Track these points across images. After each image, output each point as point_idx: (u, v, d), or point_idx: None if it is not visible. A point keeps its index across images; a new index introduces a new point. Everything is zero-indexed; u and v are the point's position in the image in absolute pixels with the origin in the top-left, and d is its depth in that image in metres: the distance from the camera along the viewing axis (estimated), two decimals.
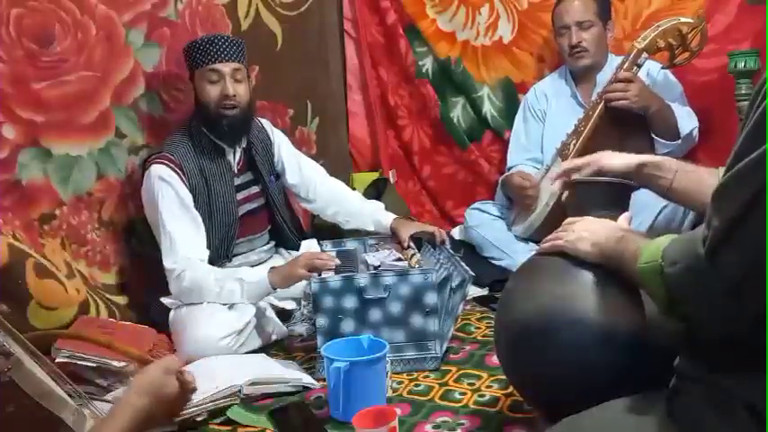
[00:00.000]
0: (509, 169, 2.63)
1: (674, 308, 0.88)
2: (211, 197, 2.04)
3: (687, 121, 2.30)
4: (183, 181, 1.96)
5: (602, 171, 1.27)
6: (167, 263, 1.91)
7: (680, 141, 2.27)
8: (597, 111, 2.28)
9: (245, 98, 2.04)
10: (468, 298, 2.23)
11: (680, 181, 1.21)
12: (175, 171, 1.95)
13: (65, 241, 1.93)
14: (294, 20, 2.74)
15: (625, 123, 2.25)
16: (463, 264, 1.86)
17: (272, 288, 1.91)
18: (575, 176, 1.31)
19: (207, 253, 1.97)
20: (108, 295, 2.00)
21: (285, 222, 2.26)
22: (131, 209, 2.11)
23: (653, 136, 2.29)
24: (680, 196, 1.24)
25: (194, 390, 1.15)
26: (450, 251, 2.03)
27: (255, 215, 2.20)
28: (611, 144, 2.23)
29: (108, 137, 2.04)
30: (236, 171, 2.13)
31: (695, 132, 2.31)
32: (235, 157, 2.12)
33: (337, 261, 1.83)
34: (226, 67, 1.99)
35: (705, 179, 1.18)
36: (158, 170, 1.93)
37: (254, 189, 2.19)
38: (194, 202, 1.99)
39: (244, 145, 2.15)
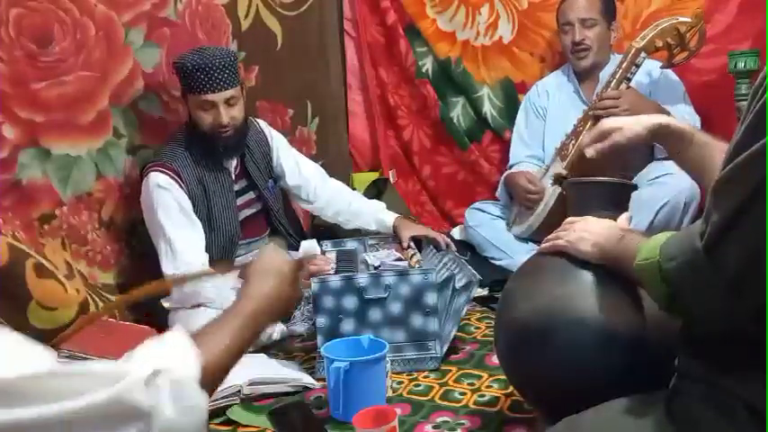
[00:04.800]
0: (510, 167, 2.63)
1: (673, 304, 0.88)
2: (211, 205, 2.03)
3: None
4: (182, 188, 1.95)
5: (615, 145, 1.22)
6: (168, 269, 1.91)
7: None
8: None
9: (239, 118, 2.02)
10: None
11: (693, 152, 1.17)
12: (173, 179, 1.94)
13: (65, 241, 1.92)
14: (294, 20, 2.74)
15: None
16: (470, 266, 1.86)
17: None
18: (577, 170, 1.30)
19: (206, 257, 1.97)
20: (108, 295, 2.00)
21: (283, 226, 2.25)
22: (131, 209, 2.10)
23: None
24: (687, 166, 1.20)
25: (312, 256, 1.19)
26: (456, 254, 2.03)
27: (254, 219, 2.19)
28: None
29: (106, 137, 2.04)
30: (233, 178, 2.12)
31: None
32: (232, 165, 2.12)
33: (333, 265, 1.82)
34: (219, 97, 1.95)
35: (716, 156, 1.14)
36: (156, 178, 1.93)
37: (252, 195, 2.18)
38: (194, 209, 1.98)
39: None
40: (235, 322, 0.92)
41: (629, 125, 1.21)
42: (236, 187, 2.14)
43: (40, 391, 0.65)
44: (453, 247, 2.11)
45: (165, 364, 0.74)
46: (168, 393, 0.73)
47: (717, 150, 1.13)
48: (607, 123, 1.24)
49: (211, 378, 0.83)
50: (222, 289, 1.90)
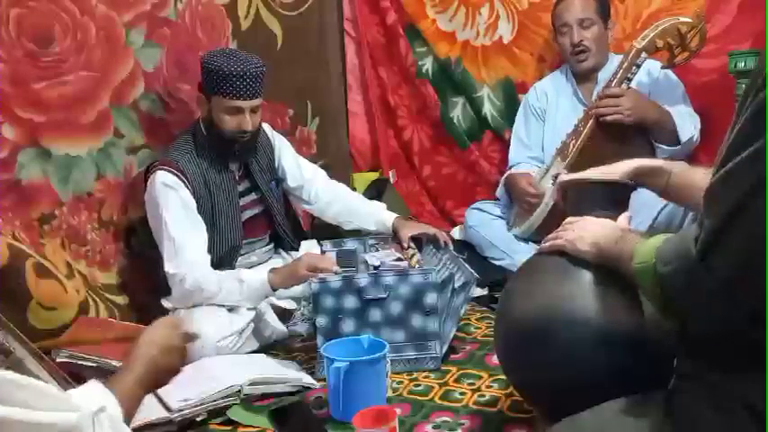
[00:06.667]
0: (510, 168, 2.63)
1: (669, 307, 0.88)
2: (214, 206, 2.03)
3: (688, 124, 2.29)
4: (188, 187, 1.96)
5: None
6: (170, 268, 1.91)
7: (679, 147, 2.27)
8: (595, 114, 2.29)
9: (258, 125, 2.03)
10: None
11: (675, 181, 1.20)
12: (179, 177, 1.94)
13: (65, 241, 1.92)
14: (294, 20, 2.74)
15: (625, 124, 2.25)
16: (467, 265, 1.86)
17: (272, 289, 1.91)
18: (575, 176, 1.31)
19: (209, 257, 1.97)
20: (108, 295, 2.00)
21: (283, 228, 2.25)
22: (131, 209, 2.10)
23: (652, 141, 2.30)
24: (676, 196, 1.24)
25: (196, 337, 1.29)
26: (454, 253, 2.03)
27: (256, 220, 2.19)
28: (611, 144, 2.26)
29: (106, 137, 2.04)
30: (237, 179, 2.12)
31: (696, 138, 2.31)
32: (236, 166, 2.12)
33: (338, 269, 1.83)
34: (248, 105, 1.95)
35: (700, 178, 1.17)
36: (162, 177, 1.93)
37: (254, 196, 2.18)
38: (198, 209, 1.98)
39: None
40: (130, 381, 1.05)
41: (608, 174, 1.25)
42: (239, 188, 2.14)
43: (8, 395, 0.70)
44: (451, 245, 2.11)
45: (103, 403, 0.87)
46: (108, 428, 0.84)
47: (699, 173, 1.17)
48: (588, 173, 1.27)
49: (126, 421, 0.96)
50: (225, 280, 1.90)
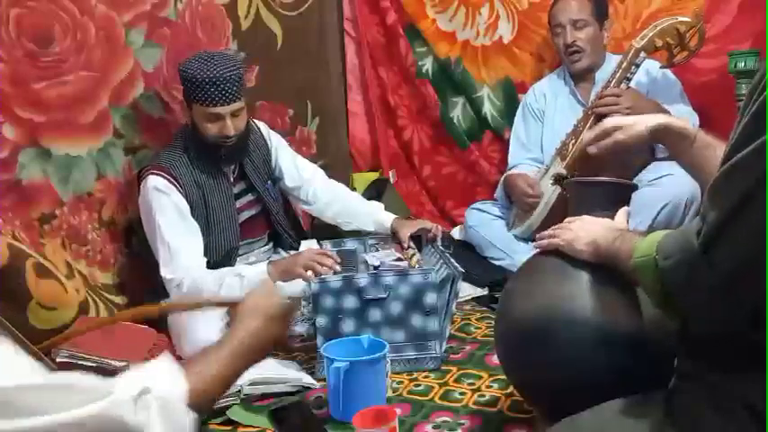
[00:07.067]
0: (509, 169, 2.63)
1: (669, 302, 0.88)
2: (209, 209, 2.02)
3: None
4: (180, 191, 1.95)
5: (617, 144, 1.23)
6: (166, 273, 1.90)
7: None
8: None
9: (242, 127, 2.00)
10: (467, 298, 2.24)
11: (693, 151, 1.16)
12: (171, 182, 1.93)
13: (65, 241, 1.92)
14: (294, 20, 2.74)
15: None
16: (453, 260, 1.86)
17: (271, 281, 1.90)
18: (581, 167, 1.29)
19: (204, 260, 1.97)
20: (108, 295, 2.00)
21: (282, 227, 2.25)
22: (131, 209, 2.10)
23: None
24: (688, 166, 1.20)
25: (297, 303, 1.18)
26: (441, 248, 2.04)
27: (254, 221, 2.19)
28: None
29: (106, 137, 2.04)
30: (231, 181, 2.12)
31: None
32: (230, 168, 2.11)
33: (338, 268, 1.82)
34: (227, 110, 1.92)
35: (717, 157, 1.14)
36: (154, 181, 1.92)
37: (251, 197, 2.17)
38: (191, 212, 1.98)
39: None
40: (222, 354, 0.97)
41: (631, 125, 1.22)
42: (235, 190, 2.13)
43: (34, 402, 0.65)
44: (439, 241, 2.11)
45: (151, 384, 0.77)
46: (157, 411, 0.75)
47: (719, 151, 1.13)
48: (609, 122, 1.25)
49: (198, 401, 0.85)
50: (225, 277, 1.90)
